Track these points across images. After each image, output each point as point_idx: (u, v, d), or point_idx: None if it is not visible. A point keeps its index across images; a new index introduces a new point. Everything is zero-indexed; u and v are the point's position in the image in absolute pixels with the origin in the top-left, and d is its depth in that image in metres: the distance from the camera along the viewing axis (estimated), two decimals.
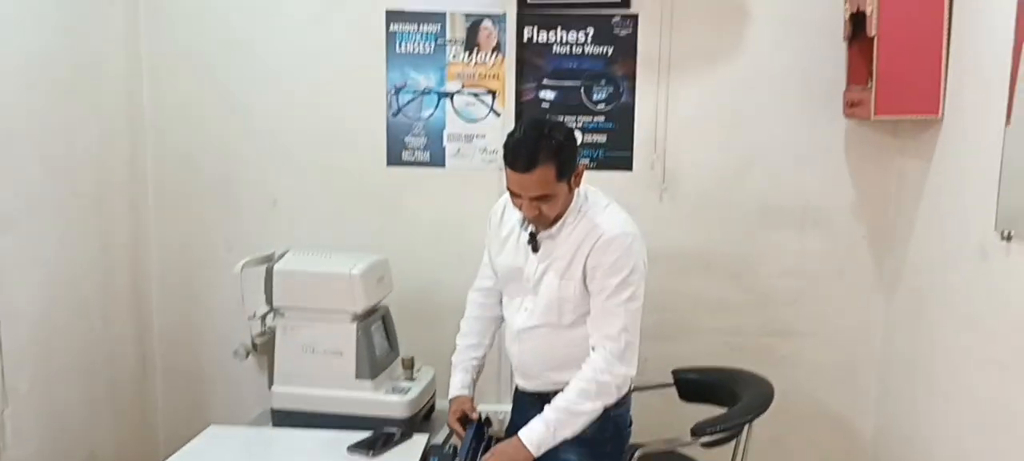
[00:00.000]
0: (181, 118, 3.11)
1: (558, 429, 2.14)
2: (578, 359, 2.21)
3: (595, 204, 2.25)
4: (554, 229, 2.23)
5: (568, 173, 2.15)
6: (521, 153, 2.11)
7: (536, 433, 2.14)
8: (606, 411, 2.28)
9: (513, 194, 2.18)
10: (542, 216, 2.18)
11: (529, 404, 2.33)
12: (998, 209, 2.22)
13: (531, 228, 2.26)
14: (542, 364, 2.29)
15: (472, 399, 2.43)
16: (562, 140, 2.14)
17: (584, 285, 2.20)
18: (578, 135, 3.01)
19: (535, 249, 2.26)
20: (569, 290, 2.21)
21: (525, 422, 2.19)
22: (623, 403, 2.33)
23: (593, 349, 2.18)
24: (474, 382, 2.49)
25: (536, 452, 2.13)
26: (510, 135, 2.18)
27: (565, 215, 2.22)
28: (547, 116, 2.98)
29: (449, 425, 2.38)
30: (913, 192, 2.82)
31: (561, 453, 2.30)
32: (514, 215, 2.30)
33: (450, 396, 2.45)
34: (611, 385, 2.16)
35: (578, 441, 2.27)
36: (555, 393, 2.21)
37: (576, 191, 2.23)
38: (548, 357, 2.26)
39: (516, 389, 2.47)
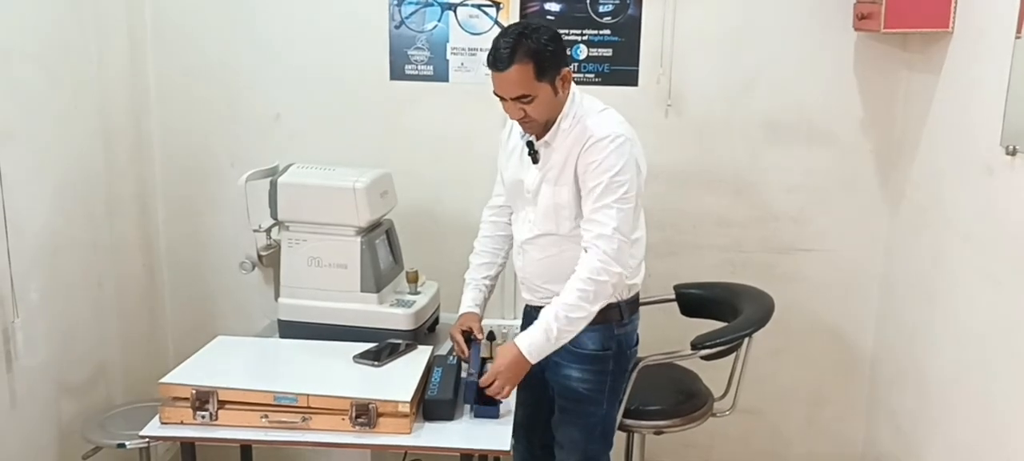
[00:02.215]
0: (183, 32, 3.07)
1: (560, 337, 2.15)
2: None
3: (590, 110, 2.22)
4: (549, 136, 2.21)
5: (550, 74, 2.13)
6: (498, 51, 2.11)
7: (536, 344, 2.15)
8: (611, 328, 2.31)
9: (498, 97, 2.17)
10: (528, 119, 2.17)
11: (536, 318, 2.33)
12: (1004, 124, 2.21)
13: (529, 138, 2.25)
14: (544, 277, 2.30)
15: (480, 318, 2.45)
16: (543, 40, 2.11)
17: (578, 190, 2.19)
18: (583, 49, 3.00)
19: (535, 160, 2.26)
20: (563, 196, 2.20)
21: None
22: (628, 322, 2.35)
23: (585, 250, 2.15)
24: (486, 301, 2.50)
25: (534, 360, 2.16)
26: (494, 39, 2.16)
27: (559, 121, 2.20)
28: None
29: (450, 335, 2.40)
30: (920, 107, 2.79)
31: (564, 368, 2.34)
32: (520, 128, 2.29)
33: (459, 312, 2.47)
34: (607, 285, 2.14)
35: (581, 357, 2.31)
36: None
37: (570, 96, 2.21)
38: (549, 269, 2.27)
39: (526, 305, 2.49)
